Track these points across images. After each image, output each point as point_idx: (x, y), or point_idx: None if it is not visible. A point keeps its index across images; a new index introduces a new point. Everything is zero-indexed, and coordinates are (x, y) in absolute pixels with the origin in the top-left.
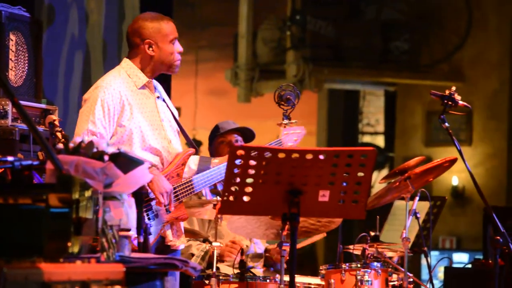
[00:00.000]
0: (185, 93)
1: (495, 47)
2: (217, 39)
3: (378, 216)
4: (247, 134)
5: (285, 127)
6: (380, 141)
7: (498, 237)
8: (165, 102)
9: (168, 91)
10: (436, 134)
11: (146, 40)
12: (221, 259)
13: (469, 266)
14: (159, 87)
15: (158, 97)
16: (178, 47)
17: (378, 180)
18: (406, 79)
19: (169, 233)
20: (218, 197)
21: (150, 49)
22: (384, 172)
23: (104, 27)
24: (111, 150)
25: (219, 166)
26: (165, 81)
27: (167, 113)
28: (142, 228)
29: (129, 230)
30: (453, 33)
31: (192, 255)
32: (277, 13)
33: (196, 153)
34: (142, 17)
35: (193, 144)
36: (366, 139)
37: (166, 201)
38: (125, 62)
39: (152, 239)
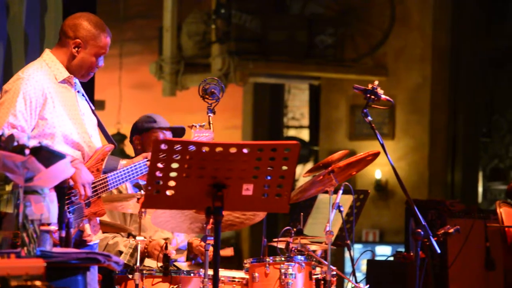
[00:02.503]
0: (109, 86)
1: (417, 42)
2: (141, 32)
3: (302, 213)
4: (179, 134)
5: (196, 129)
6: (305, 134)
7: (419, 230)
8: (84, 97)
9: (91, 84)
10: (360, 128)
11: (78, 40)
12: (148, 256)
13: (391, 258)
14: (77, 82)
15: (78, 92)
16: (101, 62)
17: (303, 174)
18: (330, 73)
19: (87, 227)
20: (142, 191)
21: (76, 49)
22: (309, 165)
23: (25, 18)
24: (32, 143)
25: (130, 166)
26: None
27: (87, 108)
28: (64, 223)
29: (50, 224)
30: (377, 28)
31: (121, 252)
32: (202, 7)
33: (115, 148)
34: (87, 16)
35: (112, 139)
36: (291, 132)
37: (89, 192)
38: (47, 54)
39: (71, 232)
